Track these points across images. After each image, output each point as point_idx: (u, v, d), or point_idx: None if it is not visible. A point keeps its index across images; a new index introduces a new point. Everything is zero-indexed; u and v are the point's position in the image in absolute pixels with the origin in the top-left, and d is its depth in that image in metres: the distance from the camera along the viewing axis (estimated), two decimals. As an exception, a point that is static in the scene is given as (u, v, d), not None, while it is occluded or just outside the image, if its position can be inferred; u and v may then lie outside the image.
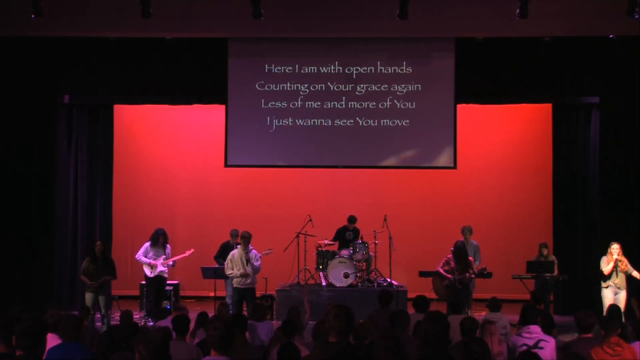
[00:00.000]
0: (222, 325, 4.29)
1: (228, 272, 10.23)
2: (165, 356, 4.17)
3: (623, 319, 8.14)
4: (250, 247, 10.21)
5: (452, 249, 10.35)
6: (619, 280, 9.72)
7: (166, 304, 11.38)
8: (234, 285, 10.25)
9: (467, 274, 10.22)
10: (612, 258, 9.69)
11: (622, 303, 9.51)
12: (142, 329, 6.82)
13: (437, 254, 10.66)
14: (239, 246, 10.28)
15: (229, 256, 10.28)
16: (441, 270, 10.33)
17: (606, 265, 9.75)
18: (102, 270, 10.11)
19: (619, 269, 9.69)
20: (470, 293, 11.32)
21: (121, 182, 13.03)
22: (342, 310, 4.16)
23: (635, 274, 9.76)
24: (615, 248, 9.73)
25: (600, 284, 9.93)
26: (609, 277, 9.75)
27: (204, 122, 13.38)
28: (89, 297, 10.06)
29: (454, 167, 11.67)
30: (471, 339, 5.00)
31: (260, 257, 10.27)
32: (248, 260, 10.08)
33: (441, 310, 5.83)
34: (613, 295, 9.70)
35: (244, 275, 10.07)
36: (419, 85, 11.56)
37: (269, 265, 10.92)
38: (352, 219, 11.81)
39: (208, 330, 4.36)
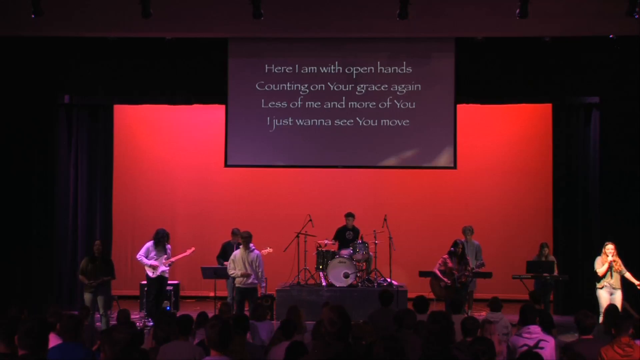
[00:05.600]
0: (219, 323, 4.28)
1: (230, 272, 10.25)
2: (132, 357, 4.09)
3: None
4: (252, 247, 10.22)
5: (451, 248, 10.37)
6: (614, 280, 9.69)
7: (166, 304, 11.39)
8: (236, 285, 10.26)
9: (466, 273, 10.25)
10: (607, 259, 9.65)
11: (617, 303, 9.45)
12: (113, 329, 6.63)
13: (437, 254, 10.66)
14: (240, 246, 10.30)
15: (232, 256, 10.30)
16: (437, 272, 10.34)
17: (600, 266, 9.73)
18: (101, 270, 10.08)
19: (613, 269, 9.68)
20: (471, 293, 11.35)
21: (121, 182, 13.03)
22: (337, 315, 4.05)
23: (628, 275, 9.74)
24: (609, 249, 9.69)
25: (595, 285, 9.93)
26: (603, 277, 9.73)
27: (204, 122, 13.38)
28: (87, 297, 10.04)
29: (454, 167, 11.67)
30: (476, 339, 5.01)
31: (262, 259, 10.28)
32: (252, 261, 10.11)
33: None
34: (609, 295, 9.67)
35: (245, 275, 10.09)
36: (419, 85, 11.56)
37: (269, 265, 10.92)
38: (349, 214, 11.78)
39: (206, 330, 4.34)
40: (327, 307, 4.31)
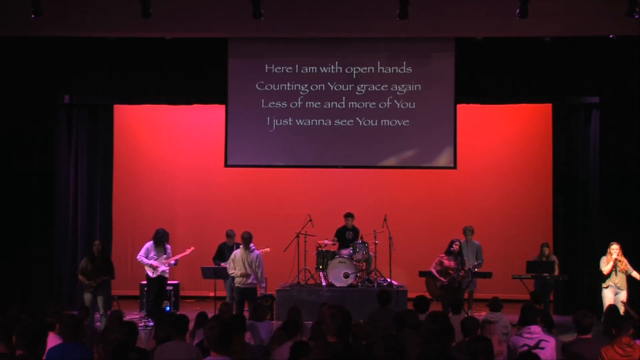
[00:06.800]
0: (218, 325, 4.28)
1: (230, 271, 10.27)
2: (124, 358, 4.10)
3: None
4: (252, 247, 10.22)
5: (450, 248, 10.38)
6: (619, 280, 9.72)
7: (166, 304, 11.38)
8: (236, 285, 10.27)
9: (461, 272, 10.27)
10: (612, 258, 9.70)
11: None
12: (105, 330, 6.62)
13: (437, 254, 10.66)
14: (241, 246, 10.30)
15: (232, 256, 10.31)
16: (433, 271, 10.35)
17: (605, 265, 9.76)
18: (100, 270, 10.08)
19: (618, 269, 9.69)
20: (471, 293, 11.35)
21: (121, 182, 13.03)
22: (338, 310, 4.07)
23: (634, 274, 9.76)
24: (614, 248, 9.73)
25: (600, 284, 9.94)
26: (608, 276, 9.76)
27: (204, 122, 13.38)
28: (87, 297, 10.05)
29: (454, 167, 11.67)
30: (475, 338, 5.00)
31: (262, 259, 10.28)
32: (252, 262, 10.11)
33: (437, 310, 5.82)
34: (613, 295, 9.70)
35: (244, 275, 10.10)
36: (419, 85, 11.56)
37: (269, 265, 10.93)
38: (348, 214, 11.77)
39: (205, 331, 4.34)
40: (327, 305, 4.31)
